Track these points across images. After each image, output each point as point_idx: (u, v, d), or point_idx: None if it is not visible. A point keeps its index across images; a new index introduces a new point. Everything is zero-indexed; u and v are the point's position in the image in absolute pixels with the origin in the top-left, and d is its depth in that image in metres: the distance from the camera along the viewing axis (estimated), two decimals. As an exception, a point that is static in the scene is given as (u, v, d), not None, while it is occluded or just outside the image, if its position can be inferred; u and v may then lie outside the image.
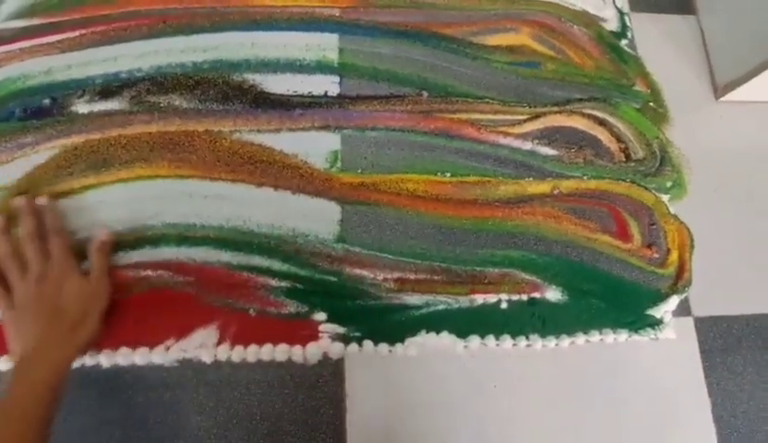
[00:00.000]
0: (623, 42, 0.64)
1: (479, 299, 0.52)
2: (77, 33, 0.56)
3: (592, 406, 0.45)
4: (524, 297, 0.53)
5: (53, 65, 0.55)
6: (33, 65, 0.54)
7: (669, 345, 0.53)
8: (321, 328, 0.49)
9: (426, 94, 0.58)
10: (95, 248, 0.48)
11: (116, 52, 0.56)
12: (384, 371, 0.50)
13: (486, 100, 0.59)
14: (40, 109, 0.53)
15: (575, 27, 0.64)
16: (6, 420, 0.38)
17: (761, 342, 0.55)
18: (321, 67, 0.58)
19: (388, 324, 0.50)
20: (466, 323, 0.51)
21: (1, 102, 0.53)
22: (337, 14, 0.61)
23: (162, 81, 0.55)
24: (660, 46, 0.65)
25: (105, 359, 0.47)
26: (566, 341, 0.52)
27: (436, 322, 0.51)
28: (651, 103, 0.62)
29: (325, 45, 0.59)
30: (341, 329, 0.50)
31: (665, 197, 0.58)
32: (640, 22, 0.66)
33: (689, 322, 0.55)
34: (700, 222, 0.57)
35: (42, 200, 0.49)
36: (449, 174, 0.55)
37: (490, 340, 0.51)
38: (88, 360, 0.46)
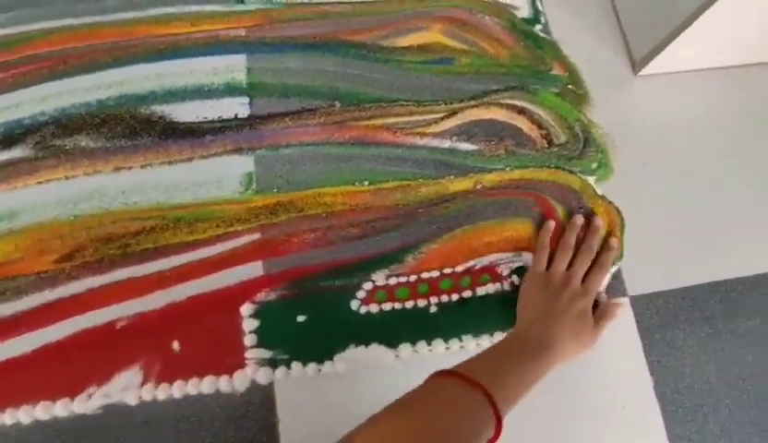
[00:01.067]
0: (537, 28, 0.64)
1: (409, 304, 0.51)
2: (-25, 84, 0.56)
3: (531, 394, 0.44)
4: (455, 298, 0.52)
5: (-47, 119, 0.54)
6: (-67, 123, 0.54)
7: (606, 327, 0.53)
8: (247, 354, 0.49)
9: (338, 104, 0.57)
10: (609, 315, 0.51)
11: (18, 98, 0.55)
12: (316, 390, 0.49)
13: (401, 102, 0.58)
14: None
15: (487, 18, 0.63)
16: (519, 388, 0.42)
17: (698, 313, 0.54)
18: (230, 90, 0.57)
19: (313, 342, 0.50)
20: (395, 332, 0.51)
21: None
22: (243, 34, 0.60)
23: (66, 123, 0.54)
24: (574, 27, 0.65)
25: (24, 415, 0.46)
26: (501, 336, 0.51)
27: (363, 334, 0.50)
28: (570, 86, 0.61)
29: (232, 67, 0.58)
30: (267, 354, 0.49)
31: (591, 179, 0.58)
32: (552, 5, 0.65)
33: (624, 302, 0.54)
34: (629, 200, 0.57)
35: (613, 242, 0.54)
36: (366, 183, 0.55)
37: (422, 346, 0.50)
38: (7, 418, 0.45)
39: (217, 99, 0.57)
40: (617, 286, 0.54)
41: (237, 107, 0.56)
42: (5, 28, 0.58)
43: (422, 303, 0.52)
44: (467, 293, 0.52)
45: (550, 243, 0.54)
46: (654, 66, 0.61)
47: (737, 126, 0.62)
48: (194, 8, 0.60)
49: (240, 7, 0.61)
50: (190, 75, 0.57)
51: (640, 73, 0.63)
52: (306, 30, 0.61)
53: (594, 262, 0.53)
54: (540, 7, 0.65)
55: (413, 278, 0.52)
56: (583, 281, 0.51)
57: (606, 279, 0.53)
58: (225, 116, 0.56)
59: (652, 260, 0.56)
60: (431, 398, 0.39)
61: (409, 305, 0.51)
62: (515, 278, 0.53)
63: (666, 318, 0.54)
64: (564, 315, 0.48)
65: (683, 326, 0.54)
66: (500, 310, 0.52)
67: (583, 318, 0.49)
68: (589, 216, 0.55)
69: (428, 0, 0.63)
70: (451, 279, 0.53)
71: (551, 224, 0.55)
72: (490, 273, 0.53)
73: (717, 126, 0.62)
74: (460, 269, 0.53)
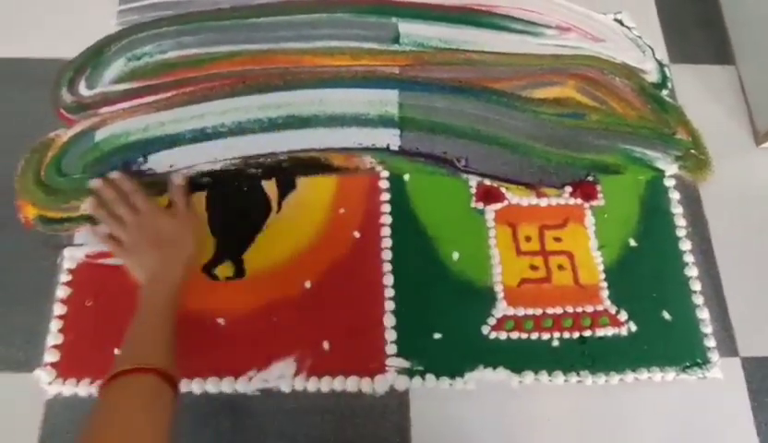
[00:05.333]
0: (664, 93, 0.68)
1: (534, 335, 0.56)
2: (169, 94, 0.64)
3: None
4: (575, 335, 0.57)
5: (149, 123, 0.63)
6: (134, 123, 0.62)
7: (717, 385, 0.55)
8: (388, 362, 0.54)
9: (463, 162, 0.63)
10: (175, 191, 0.58)
11: (203, 110, 0.63)
12: (445, 403, 0.54)
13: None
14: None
15: (617, 79, 0.68)
16: (143, 331, 0.48)
17: (808, 382, 0.57)
18: (383, 121, 0.64)
19: (447, 358, 0.55)
20: (520, 359, 0.55)
21: (106, 157, 0.61)
22: (396, 72, 0.67)
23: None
24: (700, 96, 0.69)
25: (197, 386, 0.53)
26: (615, 379, 0.55)
27: (491, 358, 0.55)
28: (692, 151, 0.65)
29: (386, 101, 0.65)
30: (406, 364, 0.54)
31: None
32: (679, 73, 0.70)
33: (736, 362, 0.57)
34: (743, 264, 0.60)
35: (114, 174, 0.59)
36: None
37: (543, 375, 0.55)
38: (183, 387, 0.52)
39: (372, 128, 0.63)
40: (729, 345, 0.58)
41: (389, 138, 0.63)
42: (195, 48, 0.67)
43: (545, 336, 0.56)
44: (587, 333, 0.57)
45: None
46: (778, 141, 0.65)
47: None
48: (354, 44, 0.68)
49: (395, 47, 0.68)
50: (349, 104, 0.65)
51: (762, 145, 0.66)
52: (452, 74, 0.67)
53: (127, 196, 0.56)
54: (668, 74, 0.70)
55: (539, 312, 0.57)
56: None
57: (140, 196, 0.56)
58: (378, 145, 0.63)
59: (763, 325, 0.59)
60: (110, 417, 0.42)
61: (534, 336, 0.56)
62: (632, 325, 0.57)
63: (776, 383, 0.57)
64: (138, 248, 0.53)
65: (792, 392, 0.57)
66: (616, 352, 0.56)
67: (155, 224, 0.54)
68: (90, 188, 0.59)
69: (564, 58, 0.69)
70: (573, 318, 0.57)
71: (87, 227, 0.58)
72: (609, 317, 0.58)
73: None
74: (579, 309, 0.58)
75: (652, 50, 0.71)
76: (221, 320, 0.55)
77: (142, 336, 0.48)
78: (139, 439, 0.41)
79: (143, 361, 0.44)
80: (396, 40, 0.69)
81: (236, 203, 0.60)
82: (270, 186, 0.61)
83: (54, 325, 0.54)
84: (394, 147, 0.63)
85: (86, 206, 0.58)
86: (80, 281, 0.56)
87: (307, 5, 0.70)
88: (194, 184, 0.60)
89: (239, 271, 0.57)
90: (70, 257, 0.57)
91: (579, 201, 0.62)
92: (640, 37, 0.71)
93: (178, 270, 0.53)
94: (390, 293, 0.57)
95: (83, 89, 0.64)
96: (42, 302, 0.55)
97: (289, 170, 0.61)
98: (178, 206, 0.58)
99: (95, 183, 0.59)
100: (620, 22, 0.72)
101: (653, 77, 0.69)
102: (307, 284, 0.57)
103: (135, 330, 0.49)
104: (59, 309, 0.55)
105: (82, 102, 0.63)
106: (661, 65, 0.70)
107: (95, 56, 0.66)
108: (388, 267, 0.58)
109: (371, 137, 0.63)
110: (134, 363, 0.44)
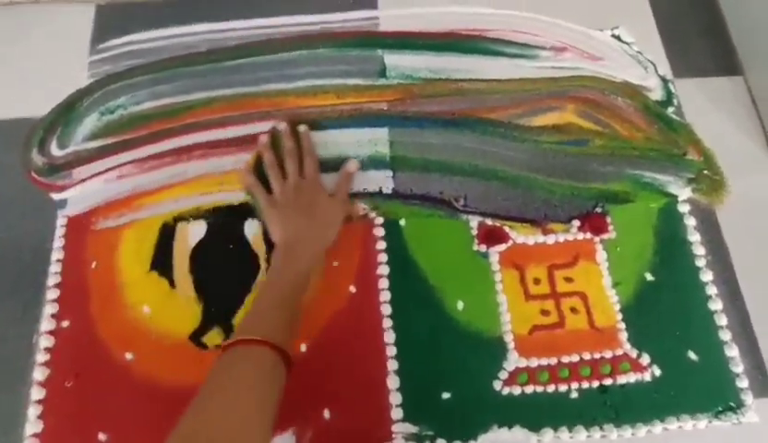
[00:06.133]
0: (670, 110, 0.64)
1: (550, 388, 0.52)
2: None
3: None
4: (595, 385, 0.52)
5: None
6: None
7: (754, 430, 0.51)
8: (394, 428, 0.50)
9: (462, 201, 0.59)
10: (343, 175, 0.58)
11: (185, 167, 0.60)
12: (459, 469, 0.50)
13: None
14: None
15: (619, 99, 0.64)
16: (271, 294, 0.49)
17: None
18: (375, 163, 0.60)
19: (458, 420, 0.51)
20: (537, 416, 0.51)
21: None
22: (385, 107, 0.63)
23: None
24: (708, 111, 0.65)
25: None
26: (642, 431, 0.51)
27: (506, 416, 0.51)
28: (705, 171, 0.61)
29: (376, 140, 0.61)
30: (413, 429, 0.50)
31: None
32: (684, 88, 0.66)
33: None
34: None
35: (302, 128, 0.60)
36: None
37: (563, 432, 0.50)
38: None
39: (362, 171, 0.60)
40: (762, 384, 0.53)
41: (382, 180, 0.59)
42: (170, 97, 0.63)
43: (562, 387, 0.52)
44: (607, 381, 0.52)
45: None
46: (795, 155, 0.61)
47: None
48: (339, 81, 0.64)
49: (382, 81, 0.64)
50: (335, 146, 0.61)
51: (779, 160, 0.62)
52: (444, 106, 0.63)
53: (302, 155, 0.58)
54: (673, 90, 0.66)
55: (553, 361, 0.53)
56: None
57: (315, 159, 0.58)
58: (370, 189, 0.59)
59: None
60: (223, 381, 0.43)
61: (550, 388, 0.52)
62: (655, 368, 0.53)
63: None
64: (287, 208, 0.53)
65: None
66: (641, 400, 0.52)
67: (315, 199, 0.54)
68: (271, 132, 0.60)
69: (562, 80, 0.65)
70: (591, 365, 0.53)
71: (241, 167, 0.58)
72: (630, 362, 0.53)
73: None
74: (597, 356, 0.53)
75: (654, 65, 0.67)
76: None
77: (269, 308, 0.48)
78: (250, 408, 0.41)
79: (267, 334, 0.44)
80: (382, 73, 0.65)
81: (222, 263, 0.56)
82: (256, 241, 0.57)
83: (33, 411, 0.50)
84: (387, 190, 0.59)
85: (261, 139, 0.59)
86: (59, 361, 0.52)
87: (287, 43, 0.66)
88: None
89: (229, 337, 0.53)
90: (63, 217, 0.56)
91: (588, 236, 0.58)
92: (640, 52, 0.68)
93: (318, 247, 0.52)
94: (392, 351, 0.53)
95: (55, 150, 0.60)
96: (19, 386, 0.51)
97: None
98: (341, 192, 0.56)
99: (282, 126, 0.59)
100: (618, 38, 0.69)
101: (657, 94, 0.65)
102: (302, 347, 0.52)
103: (261, 300, 0.49)
104: (37, 393, 0.50)
105: (54, 164, 0.60)
106: (665, 80, 0.66)
107: (66, 113, 0.62)
108: (388, 322, 0.54)
109: (362, 180, 0.59)
110: (258, 334, 0.44)
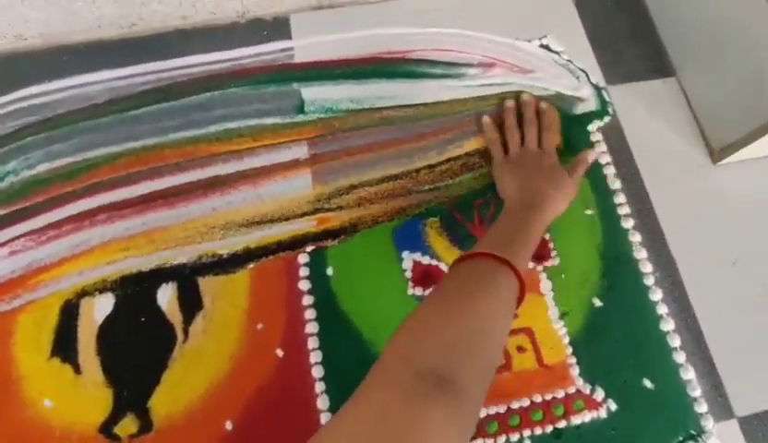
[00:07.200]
0: (606, 120, 0.62)
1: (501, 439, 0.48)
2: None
3: None
4: (549, 429, 0.48)
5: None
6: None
7: (717, 457, 0.48)
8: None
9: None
10: (582, 161, 0.56)
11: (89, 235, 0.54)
12: None
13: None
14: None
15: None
16: (515, 228, 0.47)
17: (817, 434, 0.50)
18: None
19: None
20: (489, 472, 0.47)
21: None
22: (305, 150, 0.58)
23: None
24: (645, 116, 0.62)
25: None
26: (603, 471, 0.48)
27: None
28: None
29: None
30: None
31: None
32: (619, 94, 0.63)
33: (733, 425, 0.50)
34: (720, 304, 0.53)
35: (544, 104, 0.61)
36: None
37: (519, 486, 0.47)
38: None
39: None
40: (723, 406, 0.50)
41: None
42: (68, 157, 0.57)
43: (514, 437, 0.48)
44: (561, 424, 0.49)
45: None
46: (737, 156, 0.58)
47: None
48: (254, 122, 0.59)
49: (301, 118, 0.60)
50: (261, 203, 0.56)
51: (720, 162, 0.59)
52: (369, 139, 0.59)
53: (541, 128, 0.58)
54: (607, 98, 0.62)
55: (502, 409, 0.49)
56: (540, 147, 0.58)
57: (556, 137, 0.59)
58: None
59: (754, 376, 0.52)
60: (463, 282, 0.42)
61: (501, 440, 0.48)
62: (611, 403, 0.50)
63: (782, 440, 0.50)
64: (537, 173, 0.54)
65: (801, 448, 0.50)
66: (598, 440, 0.48)
67: (555, 170, 0.54)
68: (516, 98, 0.61)
69: (490, 98, 0.62)
70: (542, 408, 0.49)
71: (487, 119, 0.60)
72: (584, 399, 0.50)
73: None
74: (549, 396, 0.50)
75: (586, 74, 0.64)
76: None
77: (515, 237, 0.46)
78: (495, 325, 0.39)
79: (512, 258, 0.42)
80: (301, 109, 0.60)
81: (133, 339, 0.50)
82: (171, 310, 0.52)
83: None
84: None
85: (508, 104, 0.60)
86: None
87: (195, 85, 0.61)
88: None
89: (145, 425, 0.47)
90: None
91: (530, 265, 0.55)
92: (570, 61, 0.64)
93: (559, 208, 0.52)
94: (325, 418, 0.48)
95: (-63, 228, 0.55)
96: None
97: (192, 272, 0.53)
98: (577, 173, 0.55)
99: (526, 96, 0.61)
100: (548, 47, 0.65)
101: (591, 103, 0.62)
102: (228, 425, 0.47)
103: (505, 227, 0.48)
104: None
105: (-63, 243, 0.54)
106: (598, 88, 0.63)
107: (-50, 184, 0.56)
108: (321, 386, 0.49)
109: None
110: (503, 253, 0.42)
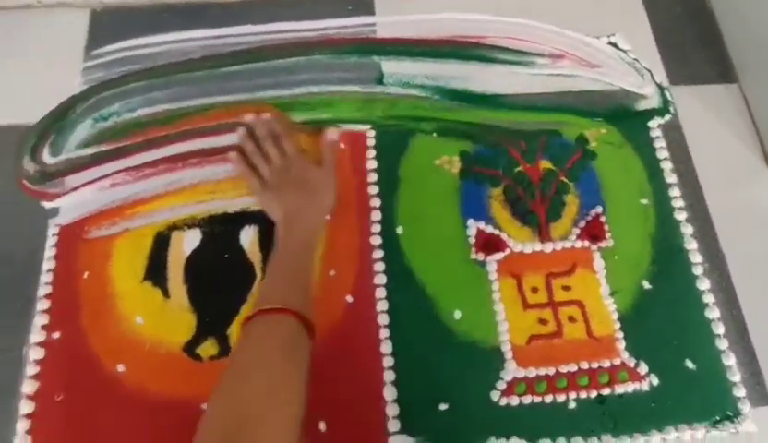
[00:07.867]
0: (667, 118, 0.65)
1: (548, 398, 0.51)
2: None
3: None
4: (593, 395, 0.52)
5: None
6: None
7: (750, 439, 0.51)
8: (391, 440, 0.49)
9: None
10: (326, 145, 0.59)
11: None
12: (457, 482, 0.49)
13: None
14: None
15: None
16: (282, 265, 0.50)
17: None
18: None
19: (455, 431, 0.50)
20: (535, 427, 0.51)
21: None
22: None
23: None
24: (704, 118, 0.65)
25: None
26: (640, 441, 0.50)
27: (503, 427, 0.51)
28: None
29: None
30: (410, 441, 0.49)
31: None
32: (681, 95, 0.66)
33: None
34: (765, 303, 0.56)
35: (268, 114, 0.60)
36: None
37: (561, 442, 0.50)
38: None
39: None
40: (760, 393, 0.53)
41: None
42: (165, 104, 0.62)
43: (560, 397, 0.52)
44: (605, 391, 0.52)
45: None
46: (790, 162, 0.61)
47: None
48: (336, 88, 0.63)
49: (379, 88, 0.64)
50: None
51: (774, 167, 0.62)
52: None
53: (276, 138, 0.58)
54: (669, 97, 0.65)
55: (551, 371, 0.53)
56: None
57: (295, 138, 0.59)
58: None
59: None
60: (251, 347, 0.43)
61: (548, 399, 0.52)
62: (653, 378, 0.53)
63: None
64: (288, 187, 0.55)
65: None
66: (639, 410, 0.52)
67: (303, 173, 0.56)
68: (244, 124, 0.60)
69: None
70: (588, 375, 0.53)
71: (233, 155, 0.58)
72: (628, 371, 0.53)
73: None
74: (595, 365, 0.53)
75: (650, 73, 0.67)
76: (206, 406, 0.50)
77: (282, 278, 0.49)
78: (283, 376, 0.41)
79: (284, 302, 0.45)
80: (380, 80, 0.64)
81: (217, 272, 0.55)
82: (252, 250, 0.56)
83: (21, 425, 0.49)
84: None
85: (239, 132, 0.59)
86: (49, 373, 0.51)
87: (283, 50, 0.66)
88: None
89: (224, 349, 0.52)
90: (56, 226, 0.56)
91: (586, 244, 0.58)
92: (636, 60, 0.67)
93: (318, 216, 0.54)
94: (389, 362, 0.52)
95: (47, 157, 0.59)
96: (6, 399, 0.50)
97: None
98: (327, 158, 0.58)
99: (249, 117, 0.60)
100: (615, 45, 0.68)
101: (653, 101, 0.65)
102: (298, 359, 0.52)
103: (274, 272, 0.50)
104: (26, 407, 0.49)
105: (46, 171, 0.59)
106: (661, 88, 0.66)
107: (59, 120, 0.61)
108: (385, 332, 0.53)
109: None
110: (275, 303, 0.44)
